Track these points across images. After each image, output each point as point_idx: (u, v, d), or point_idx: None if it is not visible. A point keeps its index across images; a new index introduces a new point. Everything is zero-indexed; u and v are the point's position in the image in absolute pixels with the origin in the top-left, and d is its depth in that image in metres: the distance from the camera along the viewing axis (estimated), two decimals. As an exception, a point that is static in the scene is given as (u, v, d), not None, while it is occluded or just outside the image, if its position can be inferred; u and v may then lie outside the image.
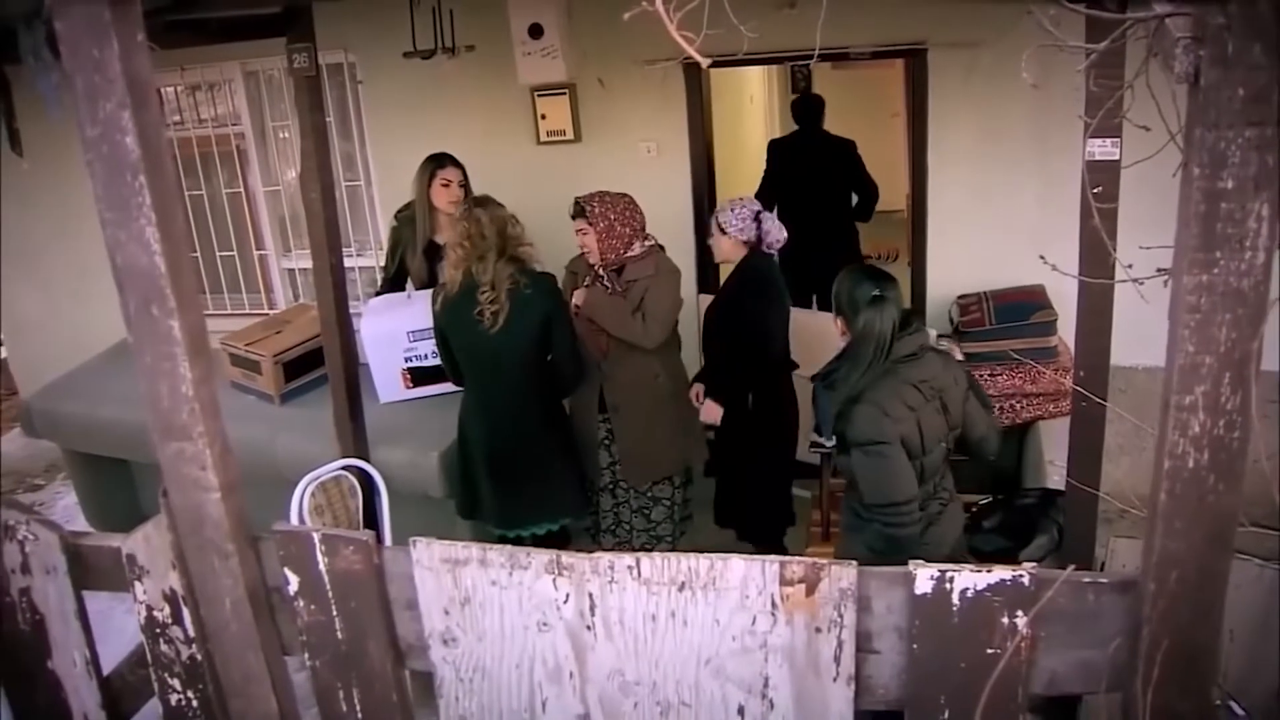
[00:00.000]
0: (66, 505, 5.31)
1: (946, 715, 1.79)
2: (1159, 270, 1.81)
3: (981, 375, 4.59)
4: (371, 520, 3.75)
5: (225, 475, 1.93)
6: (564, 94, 5.19)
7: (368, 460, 3.83)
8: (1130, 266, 1.93)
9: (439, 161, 4.38)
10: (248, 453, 3.78)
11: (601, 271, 3.83)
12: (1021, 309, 4.57)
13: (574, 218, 3.79)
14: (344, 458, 3.78)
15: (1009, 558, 3.56)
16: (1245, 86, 1.34)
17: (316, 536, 1.98)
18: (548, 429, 3.77)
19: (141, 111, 1.68)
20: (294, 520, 3.41)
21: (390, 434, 4.02)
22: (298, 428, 4.25)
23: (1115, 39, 1.61)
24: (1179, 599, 1.58)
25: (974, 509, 4.34)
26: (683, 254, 5.05)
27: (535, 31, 4.64)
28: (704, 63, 1.48)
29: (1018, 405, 4.59)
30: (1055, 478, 4.30)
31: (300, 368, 4.52)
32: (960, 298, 4.86)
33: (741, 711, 1.87)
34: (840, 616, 1.77)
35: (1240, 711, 2.38)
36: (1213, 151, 1.38)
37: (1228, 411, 1.49)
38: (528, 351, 3.62)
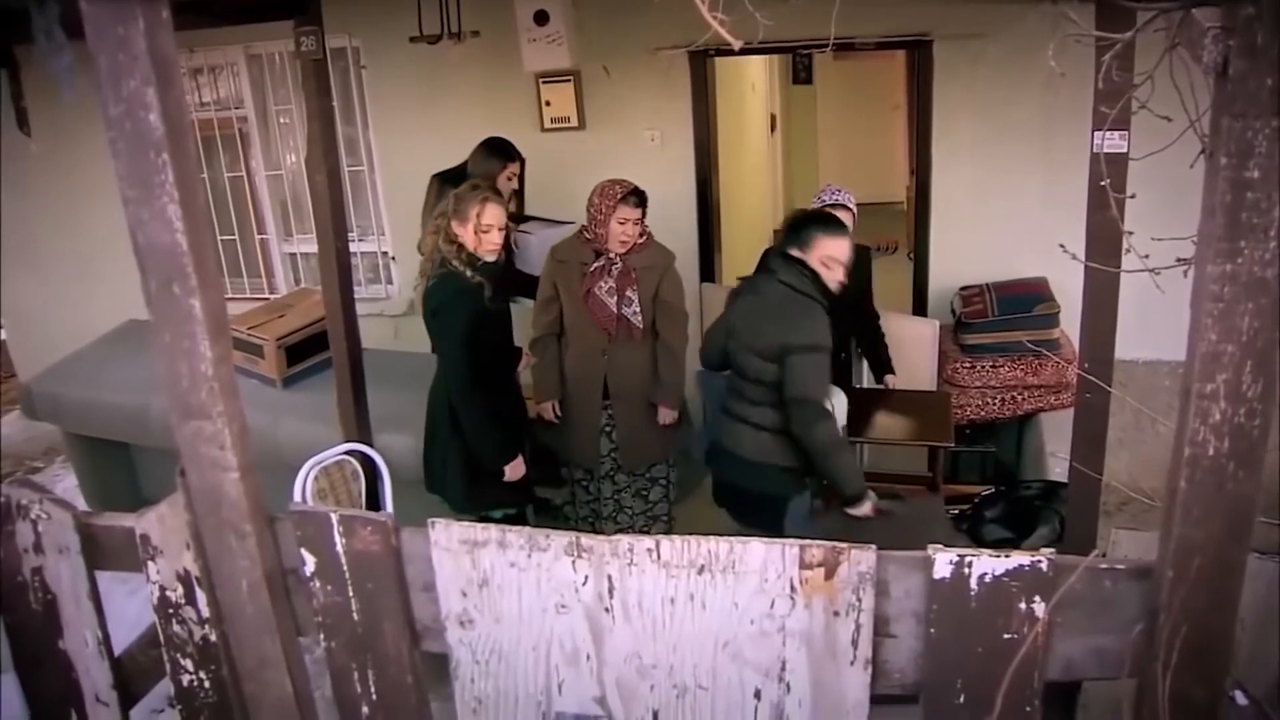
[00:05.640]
0: (65, 489, 5.26)
1: (962, 700, 1.79)
2: (1179, 260, 1.82)
3: (983, 366, 4.61)
4: (374, 505, 3.74)
5: (244, 455, 1.92)
6: (568, 81, 5.19)
7: (371, 445, 3.83)
8: (1147, 257, 1.94)
9: (509, 154, 4.45)
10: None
11: (617, 259, 3.83)
12: (1024, 301, 4.60)
13: (636, 206, 3.77)
14: (347, 442, 3.78)
15: (1011, 549, 3.57)
16: (1273, 77, 1.34)
17: (334, 517, 1.98)
18: (453, 425, 3.64)
19: (166, 89, 1.66)
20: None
21: (393, 419, 4.01)
22: (300, 412, 4.25)
23: (1139, 28, 1.62)
24: (1198, 586, 1.59)
25: (976, 499, 4.36)
26: (685, 242, 5.07)
27: (541, 18, 4.65)
28: (735, 44, 1.49)
29: (1019, 397, 4.61)
30: (1056, 470, 4.33)
31: (302, 352, 4.51)
32: (963, 289, 4.88)
33: (758, 695, 1.88)
34: (859, 600, 1.78)
35: (1244, 700, 2.39)
36: (1239, 141, 1.39)
37: (1249, 400, 1.49)
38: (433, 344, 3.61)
